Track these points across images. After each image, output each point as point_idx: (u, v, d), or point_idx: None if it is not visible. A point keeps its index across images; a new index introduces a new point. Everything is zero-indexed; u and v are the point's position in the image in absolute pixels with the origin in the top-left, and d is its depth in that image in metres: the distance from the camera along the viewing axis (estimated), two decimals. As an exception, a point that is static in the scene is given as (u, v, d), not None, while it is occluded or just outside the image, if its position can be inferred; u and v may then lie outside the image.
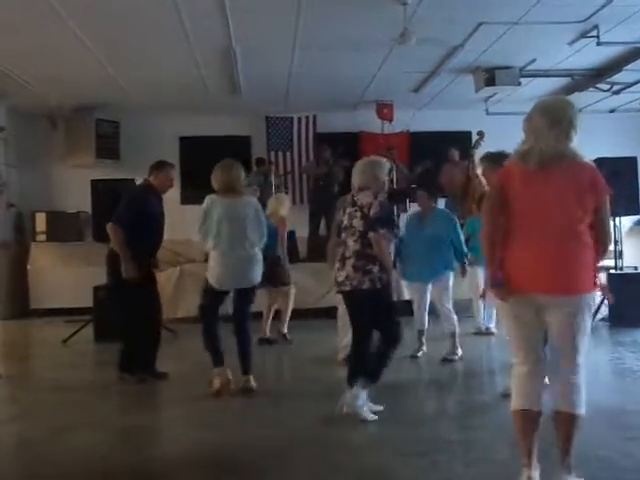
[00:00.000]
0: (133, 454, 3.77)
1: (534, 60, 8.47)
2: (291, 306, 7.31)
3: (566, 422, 2.95)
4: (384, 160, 4.66)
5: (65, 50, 7.47)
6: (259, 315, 7.41)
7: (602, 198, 2.97)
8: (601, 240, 3.01)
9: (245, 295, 5.13)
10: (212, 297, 5.07)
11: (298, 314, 7.55)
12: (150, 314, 5.50)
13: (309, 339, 5.98)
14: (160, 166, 5.54)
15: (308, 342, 6.38)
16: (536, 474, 2.95)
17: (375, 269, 4.19)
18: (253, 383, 5.00)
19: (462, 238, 6.17)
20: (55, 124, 10.72)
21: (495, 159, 4.48)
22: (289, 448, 3.78)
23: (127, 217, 5.31)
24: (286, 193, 9.71)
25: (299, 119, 11.24)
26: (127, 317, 5.48)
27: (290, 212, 7.66)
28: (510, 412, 3.06)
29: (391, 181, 9.58)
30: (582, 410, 2.96)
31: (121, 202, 5.48)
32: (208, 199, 5.05)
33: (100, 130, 10.48)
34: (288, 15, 6.64)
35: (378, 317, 4.30)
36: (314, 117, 11.22)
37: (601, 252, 3.02)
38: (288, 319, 7.30)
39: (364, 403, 4.23)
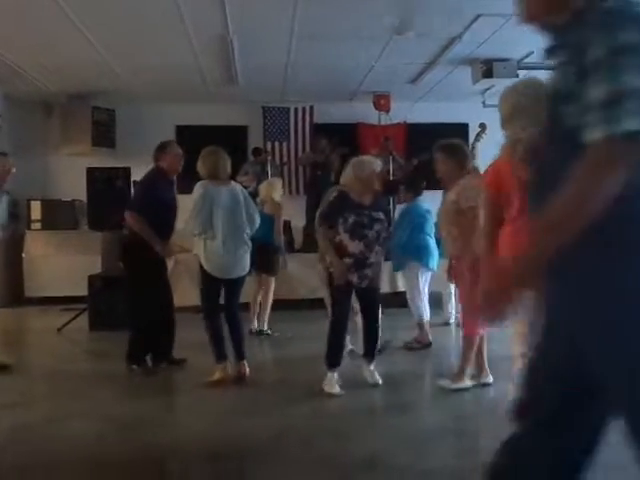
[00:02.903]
0: (127, 443, 3.77)
1: (532, 53, 8.45)
2: (270, 298, 7.16)
3: None
4: (361, 159, 4.98)
5: (61, 37, 7.42)
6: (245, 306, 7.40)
7: None
8: None
9: (239, 284, 5.16)
10: (212, 289, 5.04)
11: (292, 305, 7.55)
12: (165, 302, 5.48)
13: (302, 330, 5.98)
14: (164, 146, 5.48)
15: (301, 333, 6.39)
16: None
17: (327, 260, 4.81)
18: (247, 369, 5.05)
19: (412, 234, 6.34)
20: (51, 111, 10.67)
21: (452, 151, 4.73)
22: (281, 437, 3.80)
23: (141, 206, 5.26)
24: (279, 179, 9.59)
25: (296, 109, 11.21)
26: (141, 307, 5.41)
27: (286, 202, 7.61)
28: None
29: (387, 172, 9.60)
30: None
31: (134, 192, 5.52)
32: (201, 186, 4.99)
33: (96, 118, 10.42)
34: (285, 4, 6.61)
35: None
36: (311, 108, 11.18)
37: None
38: (268, 313, 7.18)
39: (329, 383, 4.68)
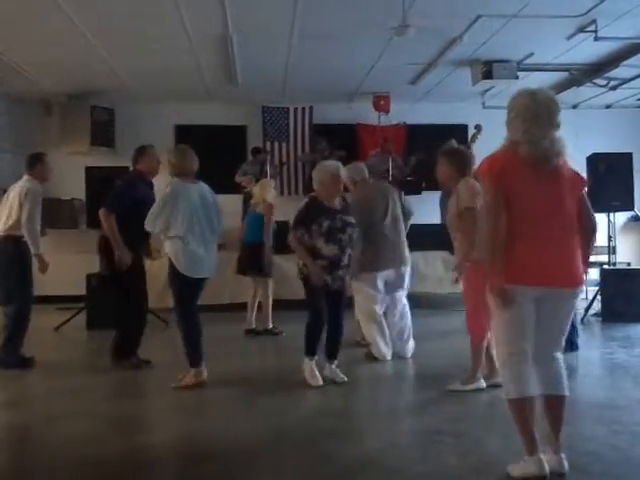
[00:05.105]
0: (122, 442, 3.77)
1: (532, 54, 8.45)
2: (270, 299, 7.20)
3: (558, 404, 3.08)
4: (323, 164, 5.13)
5: (61, 36, 7.40)
6: (243, 306, 7.38)
7: (584, 188, 3.15)
8: (590, 225, 3.15)
9: (204, 284, 5.10)
10: (186, 289, 4.94)
11: (289, 305, 7.53)
12: (138, 301, 5.50)
13: (298, 331, 5.94)
14: (142, 150, 5.60)
15: (296, 334, 6.35)
16: (545, 458, 3.00)
17: (300, 262, 4.88)
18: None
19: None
20: (50, 110, 10.66)
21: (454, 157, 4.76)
22: (277, 437, 3.79)
23: (117, 204, 5.32)
24: (273, 178, 9.48)
25: (295, 110, 11.19)
26: (123, 304, 5.50)
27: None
28: (507, 402, 3.08)
29: (386, 172, 9.59)
30: (568, 392, 3.12)
31: (112, 192, 5.51)
32: (176, 184, 4.95)
33: (95, 117, 10.40)
34: (285, 4, 6.60)
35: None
36: (310, 108, 11.17)
37: (591, 238, 3.16)
38: (270, 312, 7.22)
39: (308, 372, 4.87)
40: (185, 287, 4.95)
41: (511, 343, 3.05)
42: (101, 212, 5.35)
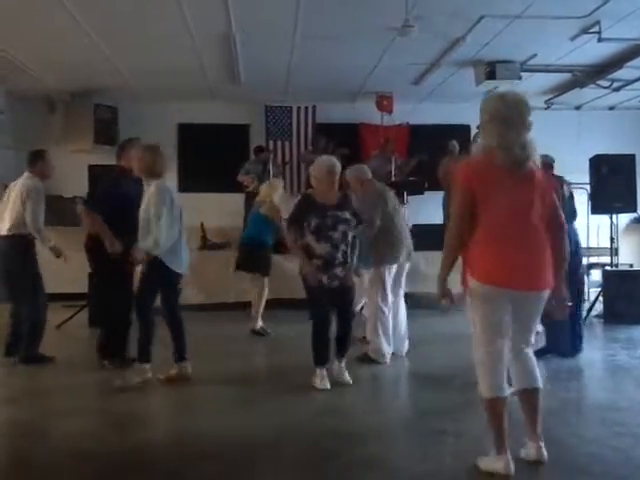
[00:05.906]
0: (121, 439, 3.76)
1: (535, 55, 8.45)
2: (264, 300, 7.13)
3: (534, 396, 3.17)
4: (319, 159, 5.05)
5: (64, 34, 7.42)
6: (248, 305, 7.37)
7: (552, 193, 3.17)
8: (557, 232, 3.14)
9: (180, 280, 5.09)
10: (156, 287, 4.93)
11: (291, 305, 7.54)
12: (125, 301, 5.42)
13: (303, 330, 5.94)
14: (123, 146, 5.50)
15: (301, 333, 6.35)
16: (524, 452, 3.18)
17: (300, 262, 4.87)
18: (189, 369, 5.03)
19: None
20: (53, 108, 10.67)
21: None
22: (279, 437, 3.79)
23: (99, 206, 5.27)
24: (277, 178, 9.48)
25: (298, 109, 11.20)
26: (111, 304, 5.47)
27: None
28: (482, 400, 3.14)
29: (389, 173, 9.58)
30: (541, 384, 3.22)
31: (95, 191, 5.51)
32: (163, 185, 4.88)
33: (98, 115, 10.42)
34: (289, 3, 6.60)
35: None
36: (313, 107, 11.18)
37: (560, 244, 3.14)
38: (260, 313, 7.15)
39: (317, 378, 4.76)
40: (158, 282, 4.92)
41: (488, 342, 3.10)
42: (82, 210, 5.30)
